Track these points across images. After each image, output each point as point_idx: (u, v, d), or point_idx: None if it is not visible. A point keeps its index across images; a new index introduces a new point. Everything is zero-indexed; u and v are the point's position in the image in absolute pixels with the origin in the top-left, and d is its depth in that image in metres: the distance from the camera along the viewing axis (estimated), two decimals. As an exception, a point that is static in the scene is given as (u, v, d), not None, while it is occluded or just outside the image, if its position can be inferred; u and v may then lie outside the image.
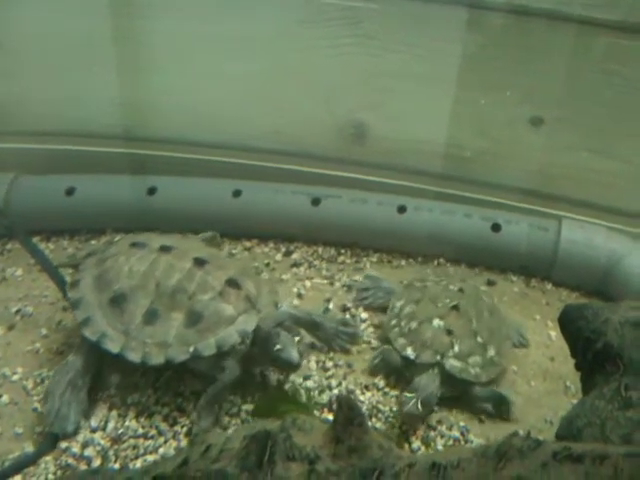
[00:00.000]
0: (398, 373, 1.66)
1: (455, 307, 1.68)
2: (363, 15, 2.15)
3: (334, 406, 1.51)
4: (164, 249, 1.61)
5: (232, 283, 1.54)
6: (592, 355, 1.34)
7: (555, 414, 1.61)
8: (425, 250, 2.21)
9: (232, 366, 1.48)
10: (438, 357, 1.60)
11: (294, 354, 1.47)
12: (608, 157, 2.17)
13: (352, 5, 2.15)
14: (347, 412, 1.03)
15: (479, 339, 1.64)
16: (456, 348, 1.61)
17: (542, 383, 1.75)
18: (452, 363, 1.59)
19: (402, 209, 2.18)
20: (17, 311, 1.83)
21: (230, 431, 1.40)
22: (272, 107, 2.27)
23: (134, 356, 1.47)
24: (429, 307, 1.70)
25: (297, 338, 1.61)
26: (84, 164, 2.31)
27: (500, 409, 1.60)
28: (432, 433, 1.52)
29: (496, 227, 2.15)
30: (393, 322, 1.72)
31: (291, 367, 1.49)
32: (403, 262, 2.18)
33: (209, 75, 2.23)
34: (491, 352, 1.64)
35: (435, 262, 2.19)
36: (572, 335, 1.41)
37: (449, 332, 1.63)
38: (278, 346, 1.47)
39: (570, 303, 1.46)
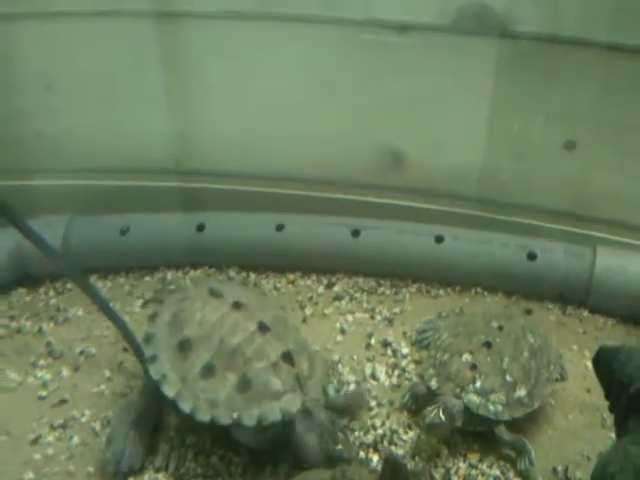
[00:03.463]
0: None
1: (487, 344, 1.73)
2: (401, 48, 2.23)
3: (380, 465, 1.49)
4: (236, 305, 1.65)
5: (287, 358, 1.56)
6: (625, 399, 1.39)
7: (592, 448, 1.67)
8: (463, 279, 2.27)
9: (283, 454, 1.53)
10: (458, 390, 1.64)
11: (354, 453, 1.51)
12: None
13: (390, 40, 2.23)
14: (393, 471, 1.12)
15: (508, 378, 1.68)
16: (478, 384, 1.65)
17: (579, 416, 1.80)
18: (470, 398, 1.63)
19: (440, 239, 2.26)
20: (81, 352, 1.96)
21: None
22: (314, 137, 2.36)
23: (185, 406, 1.53)
24: (464, 341, 1.76)
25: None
26: (134, 199, 2.44)
27: (521, 459, 1.62)
28: (473, 471, 1.60)
29: (532, 256, 2.21)
30: (432, 353, 1.79)
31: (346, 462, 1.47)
32: (441, 292, 2.25)
33: (254, 107, 2.32)
34: (521, 392, 1.68)
35: (473, 291, 2.26)
36: (606, 378, 1.46)
37: (473, 367, 1.68)
38: (339, 446, 1.49)
39: (604, 345, 1.50)
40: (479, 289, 2.26)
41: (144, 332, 1.69)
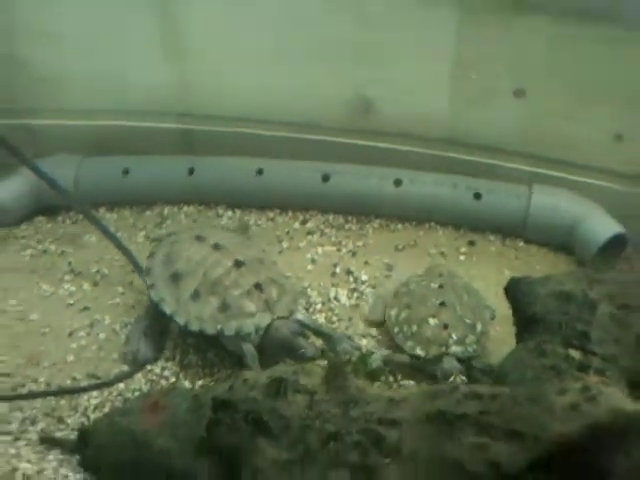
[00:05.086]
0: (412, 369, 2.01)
1: (442, 303, 2.02)
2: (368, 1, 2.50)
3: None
4: (216, 247, 2.05)
5: (258, 287, 1.96)
6: (524, 319, 1.78)
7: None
8: (418, 216, 2.65)
9: (250, 350, 1.92)
10: (443, 349, 1.95)
11: (309, 349, 1.90)
12: (577, 122, 2.52)
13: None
14: (335, 371, 1.53)
15: (467, 321, 2.03)
16: (454, 337, 1.96)
17: (505, 327, 2.08)
18: (455, 350, 1.94)
19: (398, 182, 2.62)
20: (97, 271, 2.38)
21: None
22: (287, 83, 2.66)
23: (180, 320, 1.97)
24: (421, 309, 2.03)
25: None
26: (133, 139, 2.77)
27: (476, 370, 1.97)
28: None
29: (477, 195, 2.58)
30: (396, 330, 2.04)
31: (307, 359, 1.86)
32: (400, 226, 2.62)
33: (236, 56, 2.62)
34: (479, 327, 2.03)
35: (427, 226, 2.63)
36: (513, 302, 1.86)
37: (445, 326, 1.97)
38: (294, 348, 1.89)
39: (514, 277, 1.87)
40: (432, 224, 2.63)
41: (144, 266, 2.13)
